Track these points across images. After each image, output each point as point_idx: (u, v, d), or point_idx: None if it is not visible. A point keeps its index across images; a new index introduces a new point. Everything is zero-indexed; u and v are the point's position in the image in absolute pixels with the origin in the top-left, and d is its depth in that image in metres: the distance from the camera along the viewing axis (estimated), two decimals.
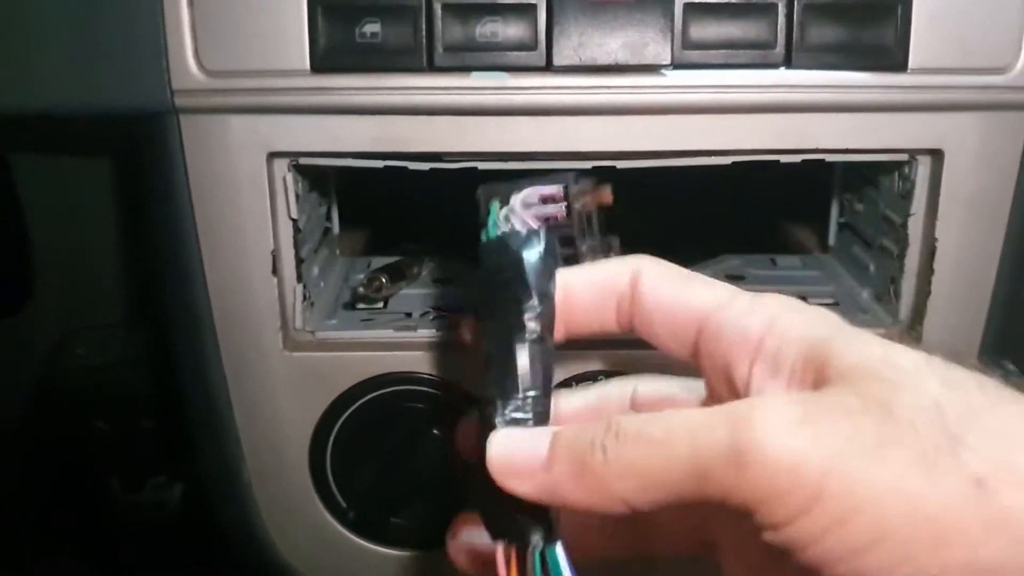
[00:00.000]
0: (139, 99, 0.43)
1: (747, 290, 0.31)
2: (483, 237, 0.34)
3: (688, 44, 0.41)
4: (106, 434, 0.68)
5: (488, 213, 0.34)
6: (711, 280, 0.32)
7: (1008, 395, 0.26)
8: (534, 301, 0.33)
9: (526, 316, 0.33)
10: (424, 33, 0.41)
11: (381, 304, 0.51)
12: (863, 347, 0.27)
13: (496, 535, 0.32)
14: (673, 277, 0.33)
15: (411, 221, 0.61)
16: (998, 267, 0.46)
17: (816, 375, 0.27)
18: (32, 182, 0.63)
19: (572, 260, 0.35)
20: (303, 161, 0.45)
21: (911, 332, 0.47)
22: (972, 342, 0.47)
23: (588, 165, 0.44)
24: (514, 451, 0.30)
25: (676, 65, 0.41)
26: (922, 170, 0.45)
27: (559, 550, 0.31)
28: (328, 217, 0.57)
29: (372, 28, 0.41)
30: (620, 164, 0.44)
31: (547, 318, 0.33)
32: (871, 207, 0.51)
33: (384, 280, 0.49)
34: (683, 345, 0.32)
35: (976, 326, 0.47)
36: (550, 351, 0.33)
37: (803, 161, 0.44)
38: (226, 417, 0.49)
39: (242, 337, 0.47)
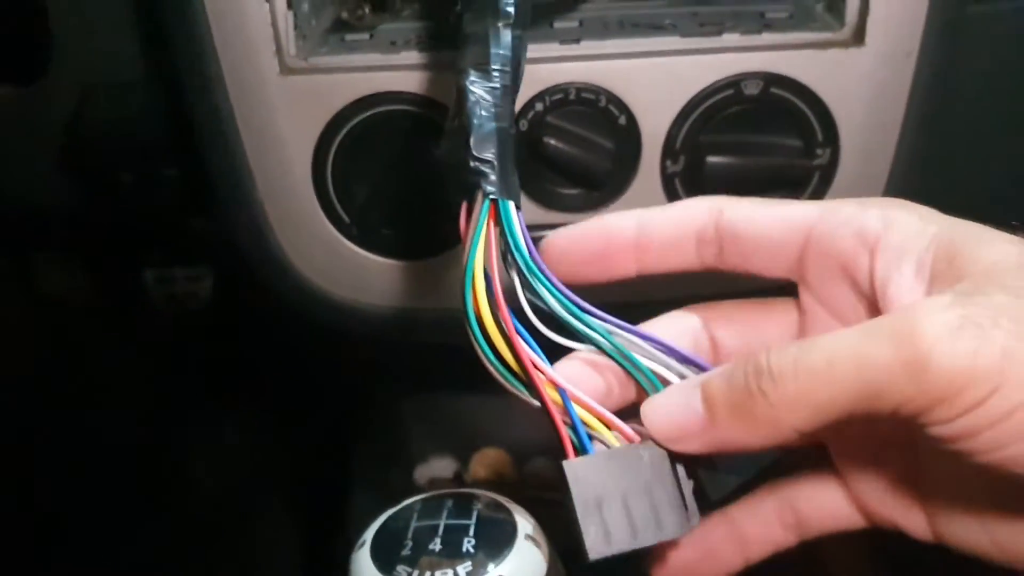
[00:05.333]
0: None
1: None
2: None
3: None
4: (132, 185, 0.73)
5: None
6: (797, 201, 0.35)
7: None
8: None
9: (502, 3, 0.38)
10: None
11: (367, 36, 0.55)
12: (999, 245, 0.29)
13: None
14: (763, 202, 0.35)
15: None
16: None
17: (949, 268, 0.29)
18: None
19: None
20: None
21: (856, 40, 0.51)
22: (911, 51, 0.51)
23: None
24: (674, 415, 0.31)
25: None
26: None
27: (512, 205, 0.36)
28: None
29: None
30: None
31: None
32: None
33: (367, 10, 0.53)
34: (784, 262, 0.34)
35: (914, 37, 0.51)
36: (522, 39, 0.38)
37: None
38: (234, 142, 0.54)
39: (241, 64, 0.52)
